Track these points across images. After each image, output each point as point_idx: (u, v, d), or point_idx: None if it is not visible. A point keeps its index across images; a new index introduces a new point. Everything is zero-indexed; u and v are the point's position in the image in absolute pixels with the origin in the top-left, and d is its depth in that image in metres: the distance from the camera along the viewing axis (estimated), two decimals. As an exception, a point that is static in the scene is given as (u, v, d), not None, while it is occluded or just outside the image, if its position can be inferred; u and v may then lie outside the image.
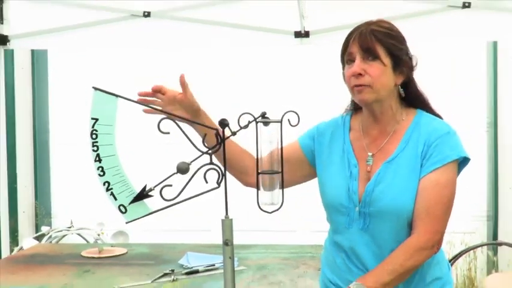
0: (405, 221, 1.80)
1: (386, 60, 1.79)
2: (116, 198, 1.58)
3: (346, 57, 1.82)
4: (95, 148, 1.55)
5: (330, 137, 1.96)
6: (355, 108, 1.98)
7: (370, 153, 1.88)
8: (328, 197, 1.94)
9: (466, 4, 3.20)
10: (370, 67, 1.78)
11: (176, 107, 1.87)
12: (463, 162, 1.83)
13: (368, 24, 1.83)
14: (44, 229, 4.39)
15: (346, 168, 1.89)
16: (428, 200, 1.78)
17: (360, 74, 1.77)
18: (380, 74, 1.78)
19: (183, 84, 1.85)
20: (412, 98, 1.90)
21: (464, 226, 4.33)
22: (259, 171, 1.56)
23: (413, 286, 1.86)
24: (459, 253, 3.88)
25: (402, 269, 1.75)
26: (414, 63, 1.86)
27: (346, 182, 1.88)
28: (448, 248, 3.96)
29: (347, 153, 1.91)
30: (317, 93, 4.48)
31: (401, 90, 1.87)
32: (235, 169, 1.97)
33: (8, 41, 3.68)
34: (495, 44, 4.41)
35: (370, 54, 1.78)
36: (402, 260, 1.76)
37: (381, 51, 1.78)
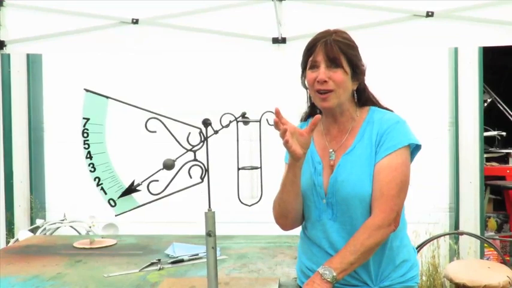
0: (368, 205, 1.83)
1: (348, 69, 1.85)
2: (106, 193, 1.57)
3: (310, 63, 1.87)
4: (86, 146, 1.54)
5: None
6: (312, 116, 2.01)
7: (331, 150, 1.92)
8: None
9: (430, 13, 3.22)
10: (334, 74, 1.83)
11: (294, 139, 1.72)
12: (416, 149, 1.88)
13: (329, 34, 1.87)
14: (39, 222, 4.34)
15: (311, 166, 1.93)
16: (381, 182, 1.81)
17: (325, 81, 1.82)
18: (342, 80, 1.83)
19: (315, 124, 1.73)
20: (364, 100, 1.96)
21: (428, 217, 4.38)
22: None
23: (384, 268, 1.89)
24: (424, 242, 3.91)
25: (363, 247, 1.78)
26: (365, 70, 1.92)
27: (312, 178, 1.92)
28: (414, 237, 3.99)
29: (311, 152, 1.94)
30: (293, 95, 4.47)
31: (355, 94, 1.92)
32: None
33: (5, 45, 3.63)
34: (456, 50, 4.46)
35: (334, 63, 1.83)
36: (362, 239, 1.78)
37: (344, 61, 1.84)
